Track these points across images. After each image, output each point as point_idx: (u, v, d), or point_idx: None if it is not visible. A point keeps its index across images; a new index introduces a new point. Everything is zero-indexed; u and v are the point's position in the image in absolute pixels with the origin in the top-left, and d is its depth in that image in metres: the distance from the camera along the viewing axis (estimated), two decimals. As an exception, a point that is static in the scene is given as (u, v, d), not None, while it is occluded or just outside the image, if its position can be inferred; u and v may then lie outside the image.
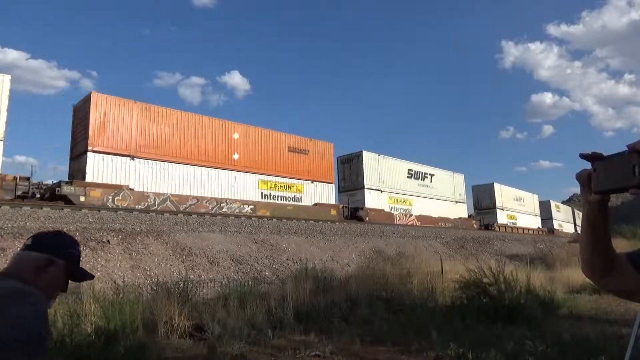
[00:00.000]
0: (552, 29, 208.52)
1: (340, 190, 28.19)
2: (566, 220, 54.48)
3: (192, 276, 11.36)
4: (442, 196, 33.82)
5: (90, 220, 13.85)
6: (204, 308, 7.35)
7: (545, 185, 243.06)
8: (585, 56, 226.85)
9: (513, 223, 40.52)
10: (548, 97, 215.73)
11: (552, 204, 51.03)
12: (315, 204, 24.13)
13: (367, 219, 25.41)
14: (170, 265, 12.56)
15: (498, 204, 39.21)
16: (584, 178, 0.91)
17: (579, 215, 58.55)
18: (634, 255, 1.00)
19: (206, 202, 19.49)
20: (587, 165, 0.91)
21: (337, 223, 22.32)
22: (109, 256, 11.97)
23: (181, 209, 18.13)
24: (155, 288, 8.14)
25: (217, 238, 15.19)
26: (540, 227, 45.43)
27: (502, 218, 39.20)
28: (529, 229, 41.56)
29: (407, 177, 31.14)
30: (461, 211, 35.46)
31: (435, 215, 31.66)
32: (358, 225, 22.96)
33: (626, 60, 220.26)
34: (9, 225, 11.96)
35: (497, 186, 39.93)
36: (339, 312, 8.13)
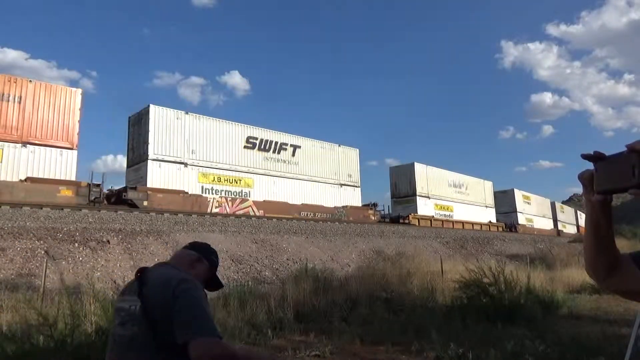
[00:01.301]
0: (552, 29, 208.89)
1: (128, 164, 20.52)
2: (540, 215, 46.34)
3: (192, 276, 11.35)
4: (314, 177, 24.94)
5: (90, 220, 13.86)
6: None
7: (545, 185, 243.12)
8: (585, 56, 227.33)
9: (446, 215, 32.43)
10: (548, 97, 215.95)
11: (518, 193, 42.16)
12: (27, 179, 15.71)
13: (145, 203, 17.42)
14: (170, 265, 12.55)
15: (420, 190, 30.51)
16: (586, 179, 0.92)
17: (562, 209, 53.64)
18: (638, 255, 1.01)
19: None
20: (589, 166, 0.91)
21: (336, 223, 21.10)
22: (109, 256, 11.98)
23: None
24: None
25: (217, 238, 15.20)
26: (494, 221, 37.56)
27: (426, 208, 30.81)
28: (472, 223, 33.31)
29: (246, 147, 22.48)
30: (351, 198, 26.63)
31: (297, 201, 23.34)
32: (358, 225, 22.93)
33: (626, 60, 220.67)
34: (9, 225, 11.96)
35: (419, 167, 31.23)
36: (339, 312, 8.13)
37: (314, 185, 24.95)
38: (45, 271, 8.36)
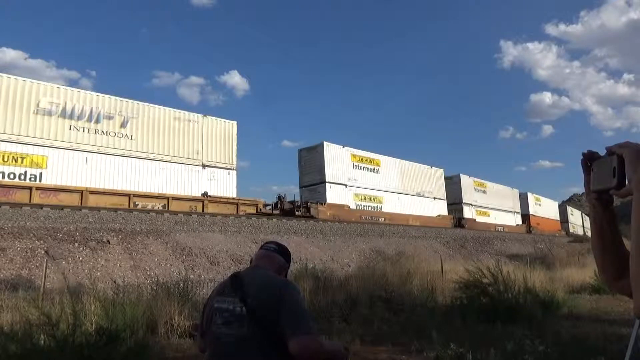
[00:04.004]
0: (551, 29, 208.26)
1: None
2: (411, 192, 28.61)
3: (192, 276, 11.37)
4: None
5: (90, 220, 13.86)
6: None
7: (545, 185, 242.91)
8: (584, 56, 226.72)
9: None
10: (547, 97, 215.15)
11: (336, 151, 24.62)
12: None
13: None
14: (170, 265, 12.57)
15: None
16: (584, 156, 0.94)
17: (482, 188, 35.67)
18: None
19: None
20: None
21: (336, 223, 21.51)
22: (109, 256, 11.98)
23: None
24: (155, 288, 8.15)
25: (217, 238, 15.20)
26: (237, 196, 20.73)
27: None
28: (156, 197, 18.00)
29: None
30: None
31: None
32: (358, 225, 22.93)
33: (625, 59, 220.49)
34: (9, 225, 11.96)
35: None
36: (339, 312, 8.13)
37: None
38: (45, 271, 8.36)
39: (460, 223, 31.35)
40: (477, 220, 33.76)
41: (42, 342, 4.60)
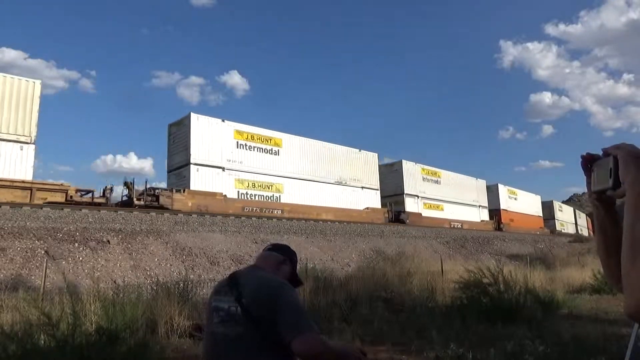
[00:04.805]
0: (551, 29, 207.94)
1: None
2: (336, 181, 24.22)
3: (192, 276, 11.37)
4: None
5: (90, 220, 13.86)
6: (203, 308, 7.36)
7: (545, 185, 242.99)
8: (584, 56, 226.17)
9: None
10: (547, 97, 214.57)
11: (209, 123, 19.98)
12: None
13: None
14: (170, 265, 12.57)
15: None
16: (584, 159, 0.95)
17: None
18: None
19: None
20: None
21: (336, 223, 21.79)
22: (109, 256, 11.99)
23: None
24: (155, 288, 8.15)
25: (217, 238, 15.20)
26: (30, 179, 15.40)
27: None
28: None
29: None
30: None
31: None
32: (358, 225, 22.95)
33: (625, 59, 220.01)
34: (9, 225, 11.97)
35: None
36: (339, 312, 8.13)
37: None
38: (45, 271, 8.37)
39: (398, 218, 26.26)
40: (424, 215, 28.56)
41: (42, 342, 4.60)
